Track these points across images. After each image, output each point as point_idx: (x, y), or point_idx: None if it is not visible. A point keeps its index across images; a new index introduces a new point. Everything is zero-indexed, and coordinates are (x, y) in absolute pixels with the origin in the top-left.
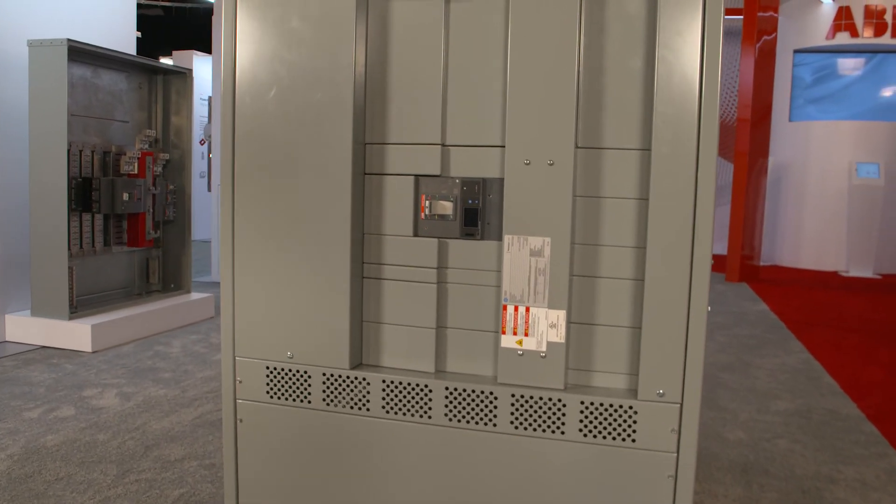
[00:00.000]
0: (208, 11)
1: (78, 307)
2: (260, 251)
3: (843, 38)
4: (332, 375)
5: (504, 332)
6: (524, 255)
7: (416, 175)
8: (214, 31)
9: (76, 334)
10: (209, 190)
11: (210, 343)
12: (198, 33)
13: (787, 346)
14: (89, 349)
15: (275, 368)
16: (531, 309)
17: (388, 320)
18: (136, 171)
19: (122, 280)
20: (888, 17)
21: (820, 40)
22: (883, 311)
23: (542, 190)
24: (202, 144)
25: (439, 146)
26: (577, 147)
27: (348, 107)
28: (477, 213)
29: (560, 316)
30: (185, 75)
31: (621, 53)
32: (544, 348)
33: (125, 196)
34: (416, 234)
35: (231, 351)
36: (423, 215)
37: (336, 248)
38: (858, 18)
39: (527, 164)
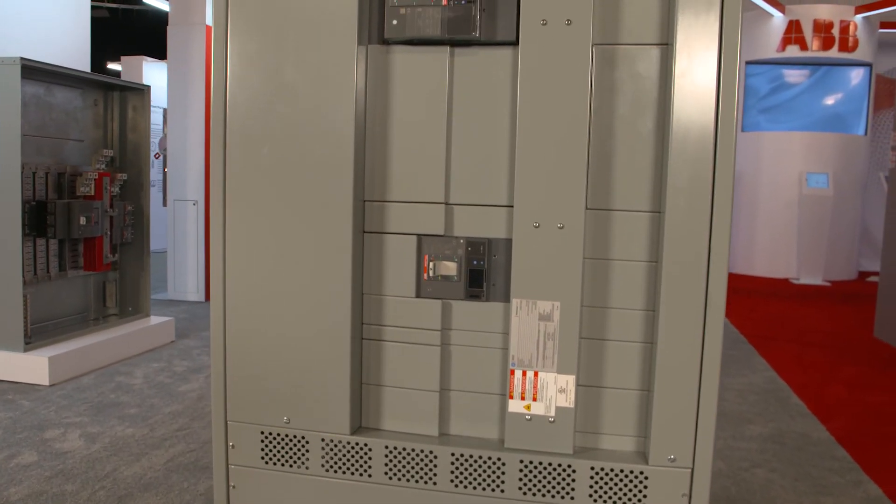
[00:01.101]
0: (158, 15)
1: (32, 337)
2: (255, 313)
3: (794, 51)
4: (331, 441)
5: (512, 397)
6: (533, 319)
7: (418, 234)
8: (170, 41)
9: (32, 367)
10: (164, 205)
11: (174, 372)
12: (147, 37)
13: (751, 364)
14: (47, 382)
15: (270, 433)
16: (540, 374)
17: (390, 383)
18: (92, 193)
19: (78, 305)
20: (835, 32)
21: (771, 53)
22: (837, 322)
23: (551, 254)
24: (157, 158)
25: (443, 205)
26: (586, 208)
27: (348, 163)
28: (482, 275)
29: (569, 381)
30: (142, 91)
31: (632, 115)
32: (553, 413)
33: (82, 220)
34: (418, 296)
35: (223, 414)
36: (425, 276)
37: (335, 309)
38: (808, 32)
39: (536, 226)
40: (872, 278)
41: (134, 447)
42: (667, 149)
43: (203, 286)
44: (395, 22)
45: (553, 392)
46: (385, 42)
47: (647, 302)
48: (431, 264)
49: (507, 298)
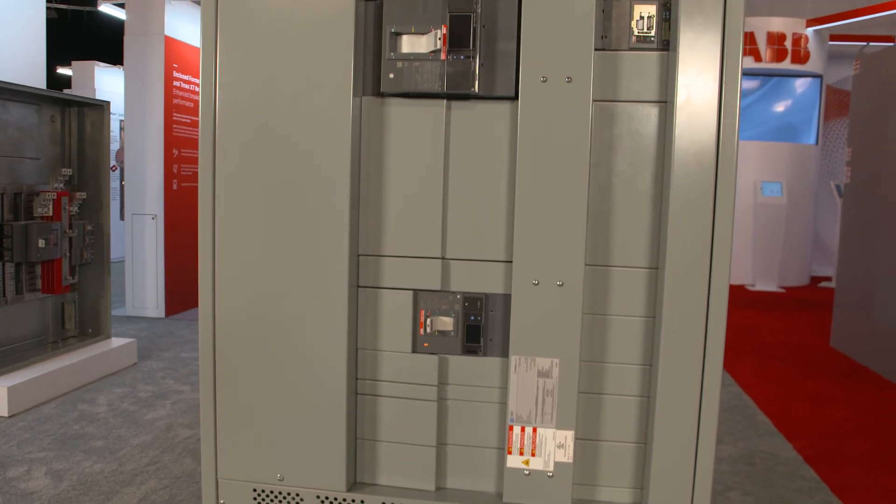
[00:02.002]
0: (110, 18)
1: None
2: (247, 367)
3: (748, 63)
4: (326, 498)
5: (510, 452)
6: (532, 375)
7: (415, 289)
8: (127, 51)
9: None
10: (122, 219)
11: (138, 398)
12: (99, 41)
13: None
14: (6, 413)
15: (263, 490)
16: (539, 429)
17: (386, 438)
18: (50, 214)
19: (36, 328)
20: (788, 44)
21: None
22: (794, 332)
23: (550, 311)
24: (114, 171)
25: (440, 260)
26: (585, 265)
27: (343, 217)
28: (479, 330)
29: (568, 436)
30: (101, 107)
31: (631, 171)
32: (552, 468)
33: (40, 242)
34: (414, 350)
35: (213, 471)
36: (422, 331)
37: (331, 365)
38: (761, 44)
39: (535, 284)
40: (824, 283)
41: (104, 484)
42: (666, 206)
43: (163, 301)
44: (391, 76)
45: (552, 447)
46: (381, 94)
47: (645, 356)
48: (428, 319)
49: (504, 353)
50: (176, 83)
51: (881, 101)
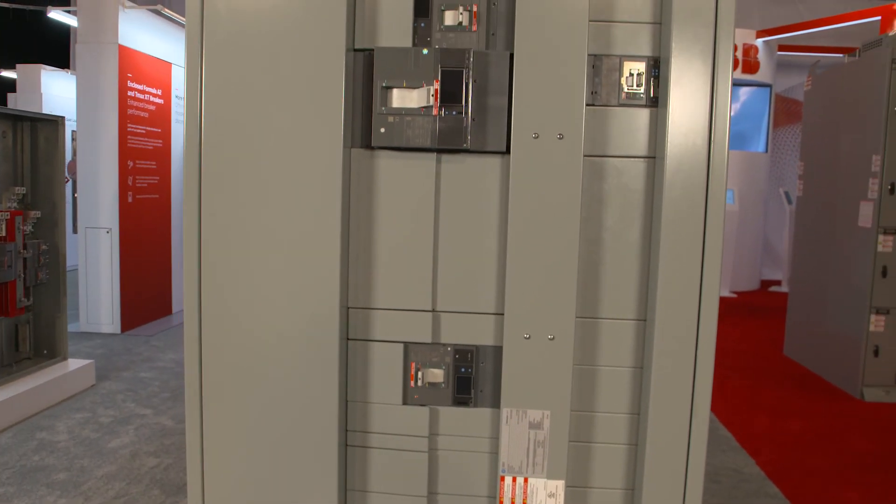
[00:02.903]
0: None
1: None
2: (235, 420)
3: None
4: None
5: (502, 502)
6: (523, 427)
7: (405, 342)
8: (79, 59)
9: None
10: (75, 232)
11: (99, 423)
12: (45, 43)
13: None
14: None
15: None
16: (530, 480)
17: (376, 489)
18: (3, 234)
19: None
20: (739, 55)
21: None
22: (749, 340)
23: (542, 364)
24: (65, 183)
25: (430, 312)
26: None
27: (334, 271)
28: (470, 382)
29: (559, 486)
30: (55, 122)
31: (620, 226)
32: None
33: None
34: (405, 402)
35: None
36: (412, 383)
37: (320, 418)
38: None
39: (527, 338)
40: (774, 288)
41: None
42: (655, 259)
43: (118, 317)
44: (383, 130)
45: (543, 497)
46: (371, 147)
47: (633, 406)
48: (419, 372)
49: (494, 404)
50: (130, 93)
51: (831, 117)
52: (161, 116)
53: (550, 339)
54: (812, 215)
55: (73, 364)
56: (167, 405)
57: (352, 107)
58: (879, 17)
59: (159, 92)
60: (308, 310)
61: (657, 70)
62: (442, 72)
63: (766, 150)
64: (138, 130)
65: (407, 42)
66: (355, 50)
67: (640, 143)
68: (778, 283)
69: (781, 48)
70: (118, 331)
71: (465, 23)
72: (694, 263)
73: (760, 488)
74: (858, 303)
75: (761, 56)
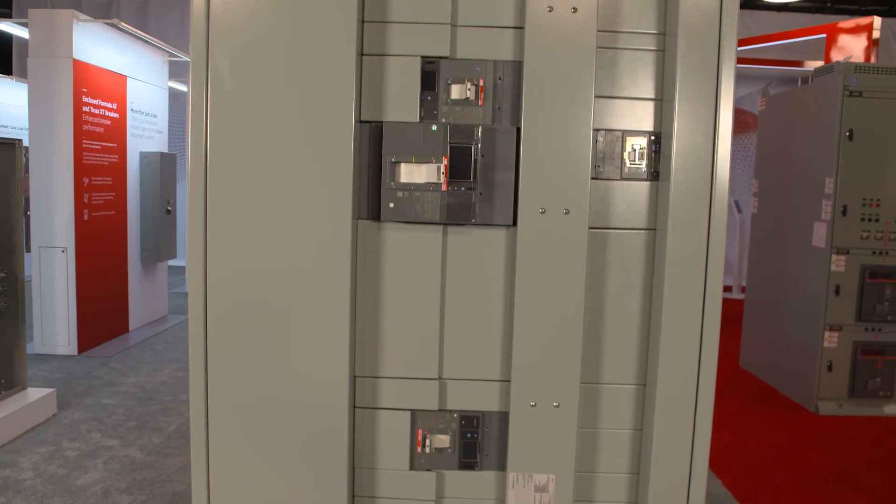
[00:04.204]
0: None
1: None
2: (243, 488)
3: None
4: None
5: None
6: (529, 491)
7: (412, 409)
8: (31, 73)
9: None
10: (28, 251)
11: (66, 458)
12: None
13: None
14: None
15: None
16: None
17: None
18: None
19: None
20: None
21: None
22: None
23: (547, 430)
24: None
25: (437, 381)
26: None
27: (343, 342)
28: (476, 446)
29: None
30: (12, 146)
31: (621, 294)
32: None
33: None
34: (412, 468)
35: None
36: (419, 449)
37: (329, 486)
38: None
39: (533, 406)
40: (725, 294)
41: None
42: (657, 326)
43: (75, 338)
44: (392, 205)
45: None
46: (379, 219)
47: (632, 466)
48: (425, 438)
49: (499, 467)
50: (85, 108)
51: (785, 138)
52: (116, 131)
53: (556, 407)
54: (767, 232)
55: (34, 393)
56: (134, 435)
57: (358, 178)
58: (825, 35)
59: (114, 106)
60: (317, 379)
61: (657, 145)
62: (451, 147)
63: None
64: (94, 146)
65: (414, 115)
66: (361, 121)
67: (640, 216)
68: (728, 289)
69: None
70: (75, 352)
71: (472, 97)
72: (693, 330)
73: None
74: (813, 319)
75: None
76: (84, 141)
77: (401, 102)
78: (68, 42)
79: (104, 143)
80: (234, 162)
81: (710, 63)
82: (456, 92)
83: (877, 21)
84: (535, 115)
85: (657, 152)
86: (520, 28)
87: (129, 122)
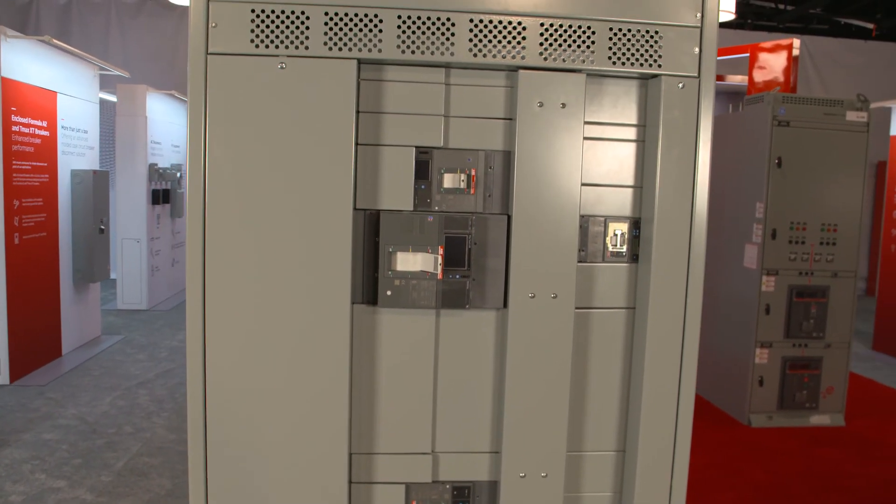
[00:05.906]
0: None
1: None
2: None
3: None
4: None
5: None
6: None
7: (406, 483)
8: None
9: None
10: None
11: (10, 503)
12: None
13: None
14: None
15: None
16: None
17: None
18: None
19: None
20: None
21: None
22: None
23: (535, 500)
24: None
25: (430, 454)
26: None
27: (341, 420)
28: None
29: None
30: None
31: (602, 368)
32: None
33: None
34: None
35: None
36: None
37: None
38: None
39: (522, 477)
40: None
41: None
42: (637, 397)
43: (6, 367)
44: (389, 293)
45: None
46: (375, 304)
47: None
48: None
49: None
50: (15, 128)
51: (716, 162)
52: (47, 149)
53: (543, 477)
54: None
55: None
56: (81, 474)
57: (354, 264)
58: (748, 54)
59: (45, 124)
60: (315, 457)
61: (637, 230)
62: (446, 238)
63: None
64: (24, 167)
65: (409, 203)
66: (356, 209)
67: (620, 296)
68: None
69: None
70: (7, 381)
71: (464, 186)
72: (670, 402)
73: None
74: (745, 336)
75: None
76: (14, 162)
77: (396, 191)
78: None
79: (34, 163)
80: (234, 248)
81: (687, 154)
82: (448, 181)
83: (796, 42)
84: (525, 203)
85: (637, 237)
86: (510, 119)
87: (60, 140)
